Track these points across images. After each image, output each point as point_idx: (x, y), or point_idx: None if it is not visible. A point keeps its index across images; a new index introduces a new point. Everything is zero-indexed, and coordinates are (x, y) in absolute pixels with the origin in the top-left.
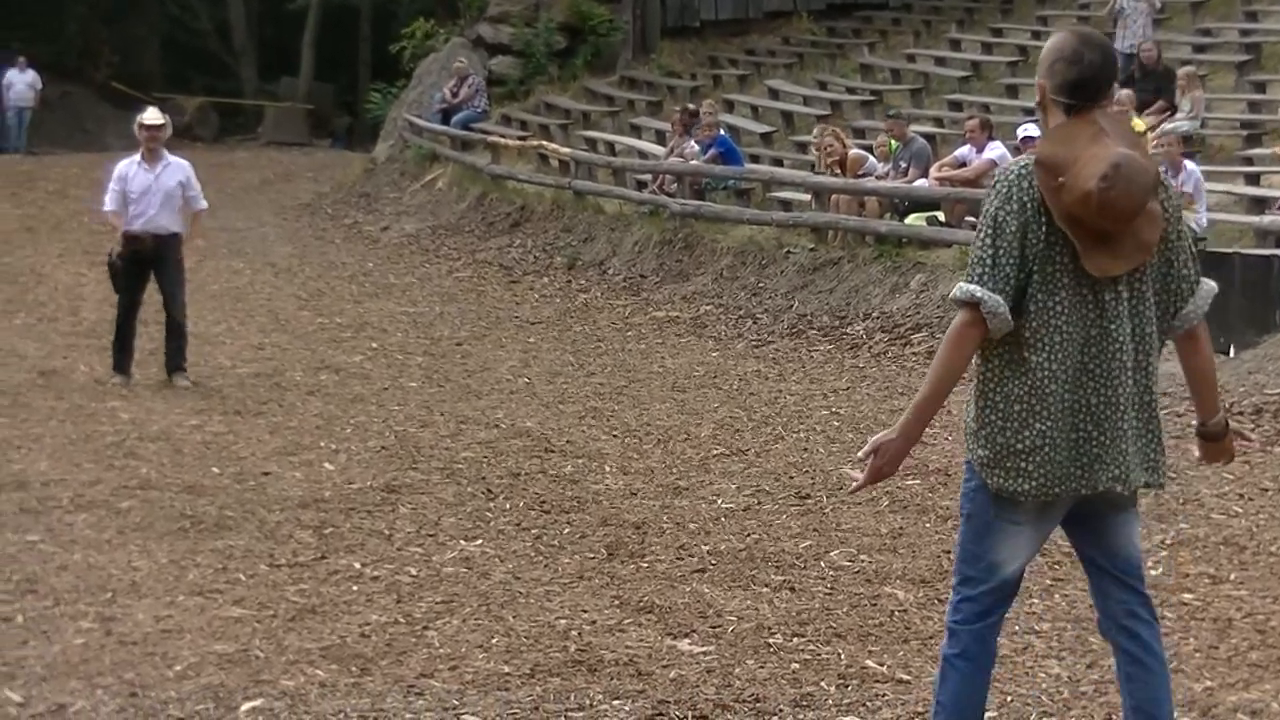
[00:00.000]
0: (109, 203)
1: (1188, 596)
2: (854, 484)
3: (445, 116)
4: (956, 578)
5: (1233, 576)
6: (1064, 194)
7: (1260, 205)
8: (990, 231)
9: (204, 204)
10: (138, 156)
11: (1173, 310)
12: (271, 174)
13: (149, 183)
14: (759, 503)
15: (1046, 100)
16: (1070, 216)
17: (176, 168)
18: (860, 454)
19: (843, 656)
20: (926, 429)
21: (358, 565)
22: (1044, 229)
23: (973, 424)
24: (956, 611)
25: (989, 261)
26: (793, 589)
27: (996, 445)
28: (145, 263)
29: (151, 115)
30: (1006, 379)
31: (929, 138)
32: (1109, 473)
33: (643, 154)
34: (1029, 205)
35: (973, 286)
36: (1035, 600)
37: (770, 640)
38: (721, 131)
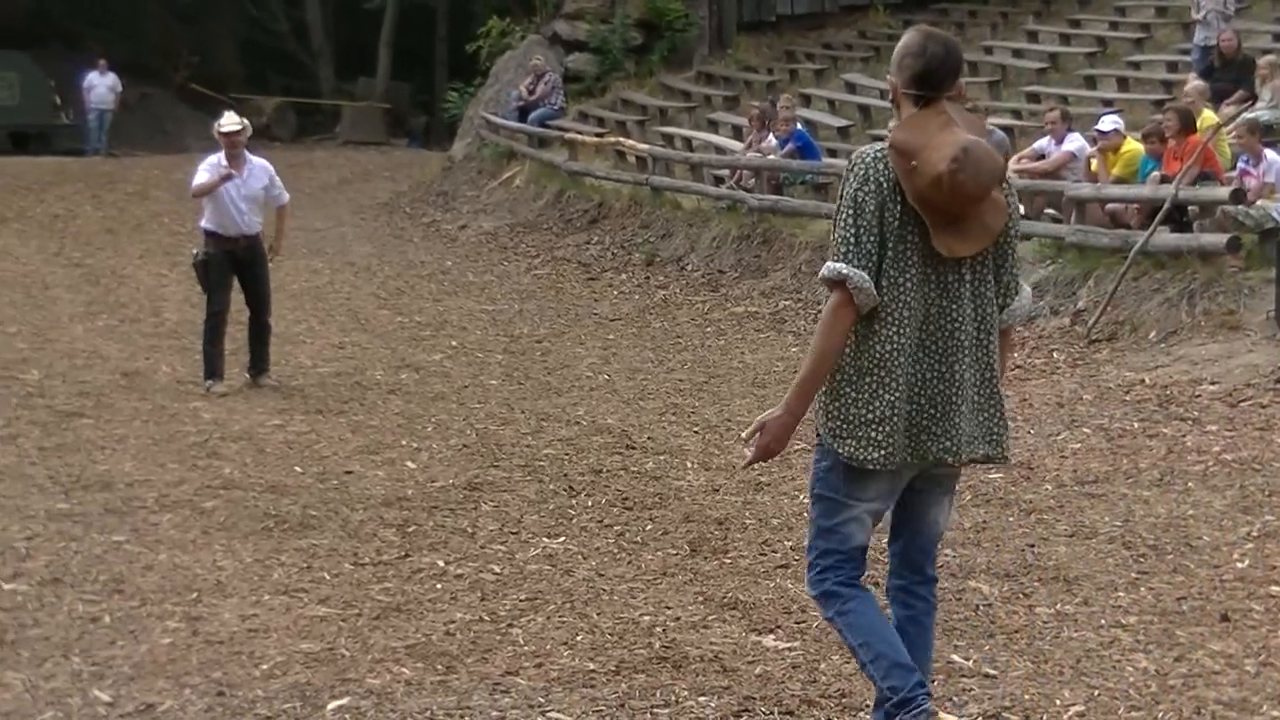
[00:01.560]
0: (201, 178)
1: (1275, 589)
2: (744, 461)
3: (522, 114)
4: (812, 553)
5: None
6: (916, 177)
7: None
8: (851, 212)
9: (286, 196)
10: (221, 159)
11: (1000, 304)
12: (349, 173)
13: (238, 186)
14: None
15: (898, 95)
16: (922, 198)
17: (260, 170)
18: (745, 433)
19: None
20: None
21: (441, 563)
22: (899, 209)
23: (825, 397)
24: (821, 578)
25: (851, 240)
26: (876, 584)
27: (849, 416)
28: (238, 262)
29: (229, 121)
30: (860, 353)
31: (1007, 130)
32: (939, 445)
33: (720, 149)
34: (885, 186)
35: (839, 265)
36: (1121, 594)
37: None
38: (798, 126)
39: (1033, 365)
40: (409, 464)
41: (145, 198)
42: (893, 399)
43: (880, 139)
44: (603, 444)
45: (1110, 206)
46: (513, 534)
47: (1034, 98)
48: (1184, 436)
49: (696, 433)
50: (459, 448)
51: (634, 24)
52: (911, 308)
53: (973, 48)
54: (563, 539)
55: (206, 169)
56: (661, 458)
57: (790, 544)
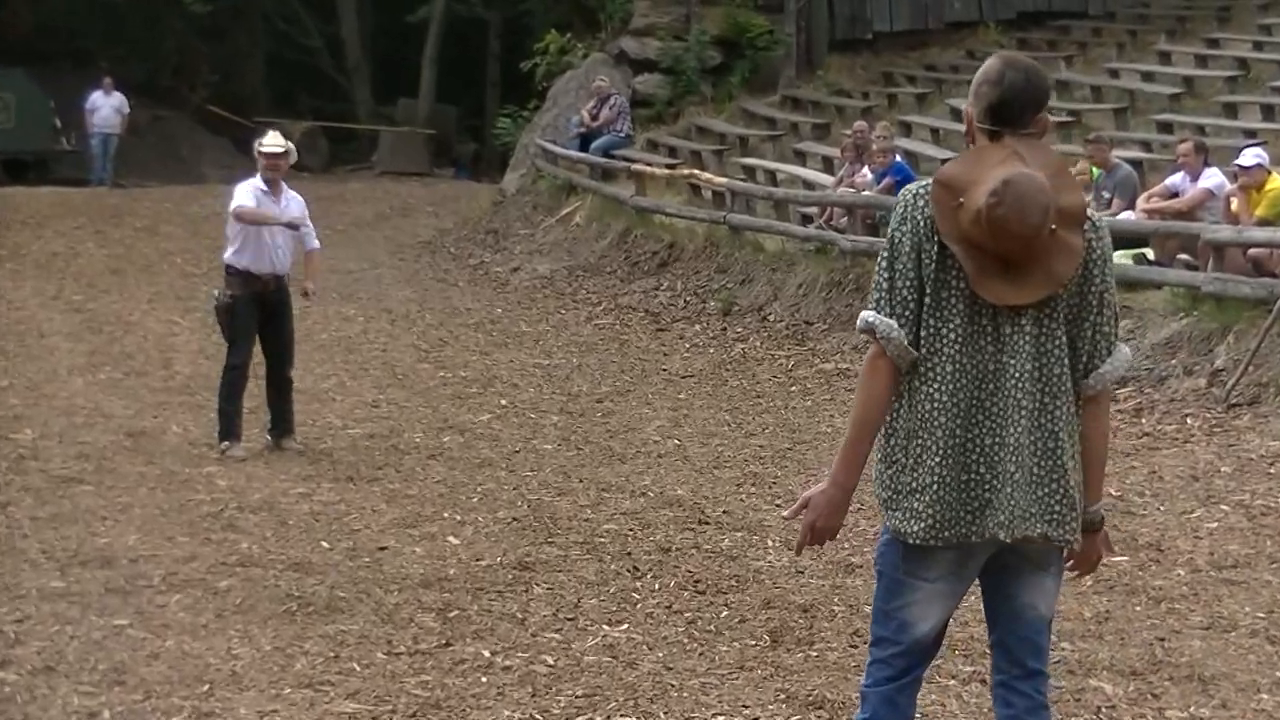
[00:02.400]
0: (249, 201)
1: None
2: (795, 545)
3: (584, 142)
4: (871, 639)
5: None
6: (962, 215)
7: None
8: (887, 254)
9: (317, 243)
10: (258, 182)
11: (1085, 366)
12: (387, 208)
13: (277, 216)
14: None
15: (972, 127)
16: (966, 239)
17: (295, 203)
18: (787, 513)
19: None
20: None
21: (487, 653)
22: (936, 250)
23: (879, 462)
24: (868, 675)
25: (885, 286)
26: (983, 681)
27: (896, 484)
28: (266, 307)
29: (272, 141)
30: (902, 413)
31: (1135, 164)
32: (995, 519)
33: (808, 184)
34: (922, 225)
35: (869, 313)
36: (1265, 696)
37: None
38: (897, 158)
39: (1163, 432)
40: (451, 539)
41: (155, 234)
42: (934, 464)
43: None
44: (672, 518)
45: (1253, 251)
46: (569, 620)
47: (1166, 127)
48: None
49: (778, 506)
50: (508, 521)
51: (711, 41)
52: (958, 362)
53: (1096, 70)
54: (625, 627)
55: (248, 194)
56: (739, 534)
57: None
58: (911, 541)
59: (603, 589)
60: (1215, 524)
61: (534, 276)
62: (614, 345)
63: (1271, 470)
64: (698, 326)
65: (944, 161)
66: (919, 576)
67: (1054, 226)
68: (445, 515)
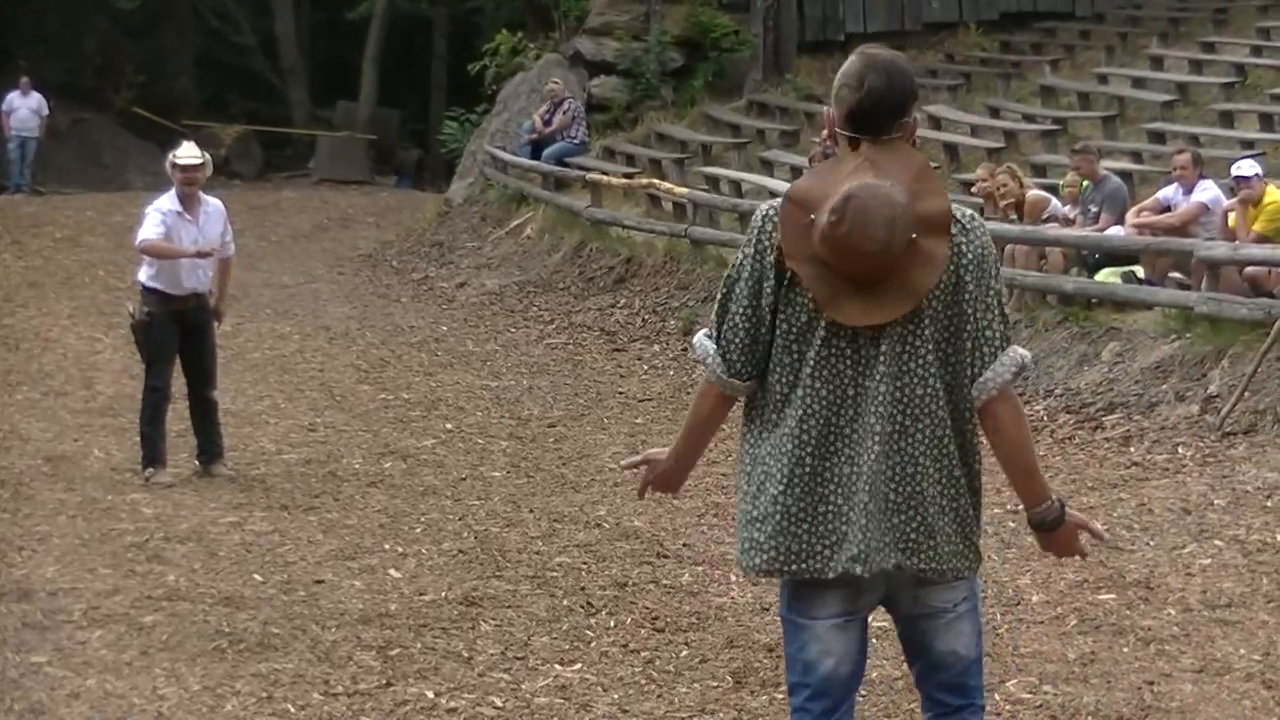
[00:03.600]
0: (155, 233)
1: None
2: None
3: (536, 150)
4: (788, 689)
5: None
6: (813, 233)
7: None
8: (729, 276)
9: (233, 249)
10: (173, 201)
11: (969, 375)
12: (325, 218)
13: (194, 236)
14: None
15: (833, 133)
16: (816, 258)
17: (215, 214)
18: (625, 461)
19: None
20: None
21: (430, 695)
22: (782, 274)
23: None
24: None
25: (718, 310)
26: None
27: (741, 513)
28: (185, 325)
29: (187, 153)
30: (754, 440)
31: (1124, 175)
32: (849, 551)
33: (775, 195)
34: (766, 245)
35: (698, 335)
36: None
37: None
38: None
39: (1153, 462)
40: (393, 573)
41: (77, 244)
42: (776, 493)
43: (970, 183)
44: (628, 551)
45: (1250, 270)
46: (518, 660)
47: (1158, 137)
48: None
49: None
50: (454, 554)
51: (673, 42)
52: (809, 387)
53: (1083, 75)
54: (579, 666)
55: (156, 223)
56: (700, 569)
57: None
58: (752, 574)
59: (554, 626)
60: (1208, 560)
61: (482, 292)
62: (567, 366)
63: (1268, 503)
64: (657, 347)
65: None
66: (809, 616)
67: (914, 235)
68: (386, 547)
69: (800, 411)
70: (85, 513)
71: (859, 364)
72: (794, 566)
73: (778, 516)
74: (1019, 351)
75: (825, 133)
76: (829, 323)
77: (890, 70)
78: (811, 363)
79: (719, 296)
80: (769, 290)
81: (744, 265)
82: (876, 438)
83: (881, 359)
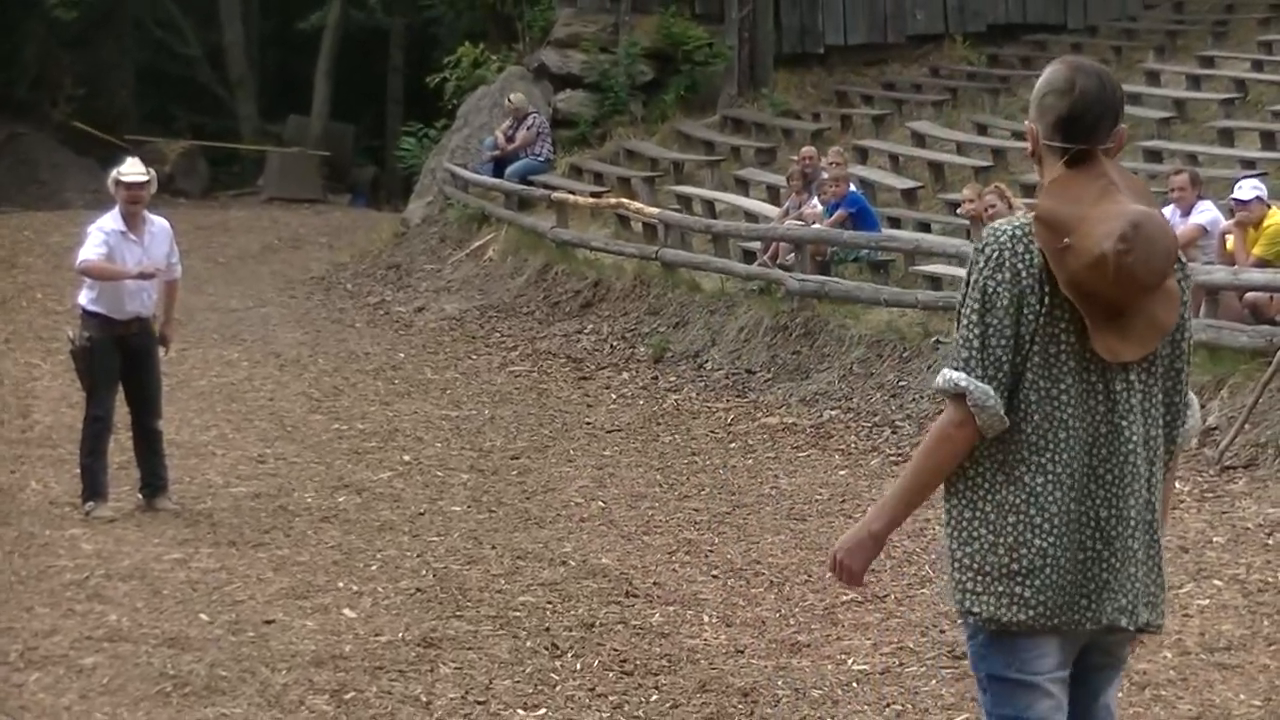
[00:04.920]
0: (96, 254)
1: None
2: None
3: (498, 167)
4: None
5: None
6: (1070, 259)
7: None
8: (978, 307)
9: (179, 271)
10: (117, 220)
11: (1171, 422)
12: (275, 238)
13: (138, 257)
14: (901, 664)
15: (1039, 148)
16: (1077, 286)
17: (161, 234)
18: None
19: None
20: None
21: None
22: (1045, 302)
23: (954, 542)
24: None
25: (976, 344)
26: None
27: (985, 567)
28: (127, 352)
29: (132, 169)
30: (999, 485)
31: None
32: (1115, 603)
33: (751, 215)
34: (1024, 273)
35: (957, 374)
36: None
37: None
38: (852, 187)
39: None
40: (347, 612)
41: (13, 265)
42: (1045, 545)
43: (956, 204)
44: (596, 590)
45: (1250, 296)
46: (479, 704)
47: (1155, 155)
48: None
49: (716, 578)
50: (411, 592)
51: (643, 55)
52: (1070, 428)
53: None
54: (543, 711)
55: (98, 243)
56: (671, 609)
57: None
58: (1013, 630)
59: (517, 669)
60: (1206, 601)
61: (441, 317)
62: (531, 395)
63: (1269, 541)
64: (625, 375)
65: (905, 192)
66: (1033, 671)
67: None
68: (340, 585)
69: (1064, 454)
70: (21, 549)
71: (1109, 400)
72: (1056, 620)
73: (1047, 570)
74: (1196, 402)
75: (1028, 149)
76: (1082, 355)
77: (1100, 72)
78: (1070, 400)
79: (966, 328)
80: (1030, 317)
81: (998, 290)
82: (1143, 481)
83: (1134, 396)
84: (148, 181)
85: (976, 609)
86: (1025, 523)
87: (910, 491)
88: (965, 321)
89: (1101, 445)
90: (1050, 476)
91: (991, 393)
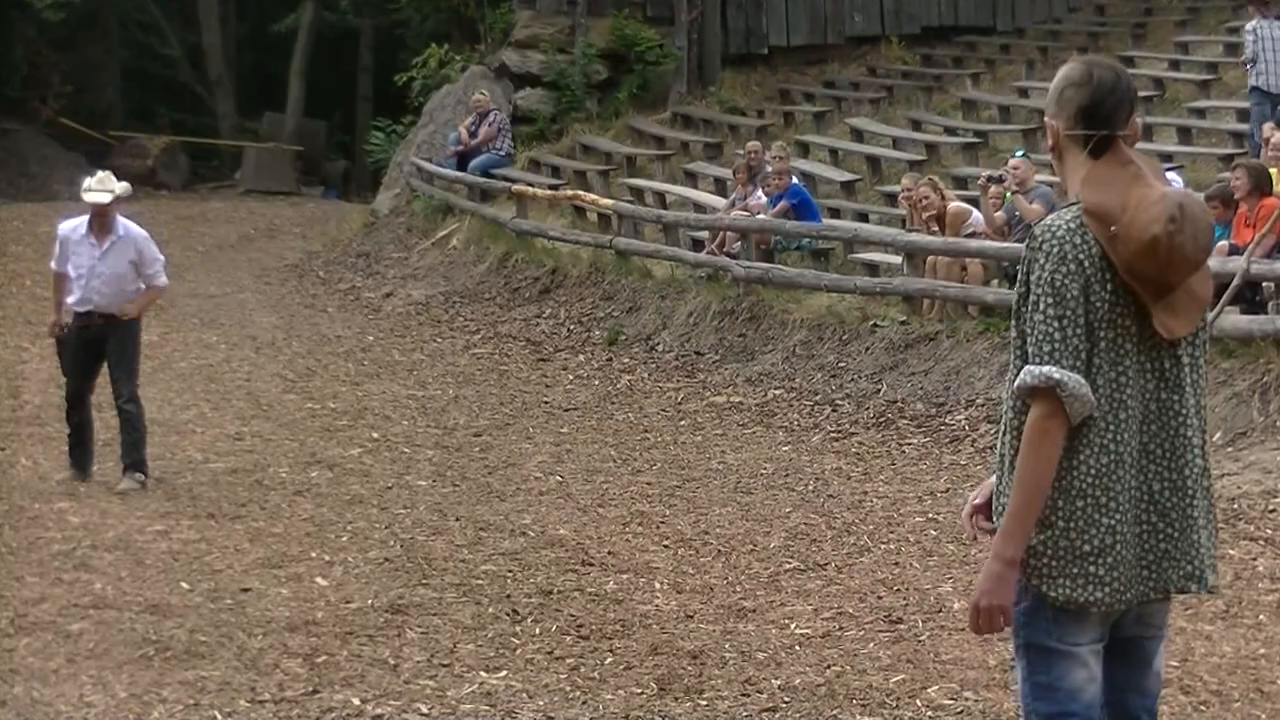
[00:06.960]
0: (55, 262)
1: None
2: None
3: (462, 161)
4: None
5: None
6: (1120, 246)
7: None
8: (1051, 301)
9: (163, 281)
10: (82, 223)
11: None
12: (252, 229)
13: (93, 262)
14: (841, 628)
15: (1061, 143)
16: (1130, 270)
17: (126, 244)
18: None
19: None
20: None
21: (357, 701)
22: (1109, 289)
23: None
24: None
25: (1057, 337)
26: None
27: (1059, 550)
28: (97, 342)
29: (99, 187)
30: (1064, 470)
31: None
32: (1180, 569)
33: (699, 206)
34: (1088, 264)
35: (1048, 369)
36: None
37: None
38: (794, 180)
39: None
40: (319, 581)
41: (3, 254)
42: (1112, 523)
43: (893, 196)
44: (554, 559)
45: None
46: (444, 666)
47: None
48: (1254, 559)
49: (667, 547)
50: (380, 562)
51: (598, 55)
52: (1129, 408)
53: (1004, 89)
54: (504, 674)
55: (57, 247)
56: (624, 577)
57: (779, 682)
58: (1095, 610)
59: (480, 634)
60: None
61: (408, 302)
62: (493, 376)
63: None
64: (582, 357)
65: (844, 184)
66: (1073, 642)
67: None
68: (313, 555)
69: (1121, 432)
70: (12, 521)
71: (1160, 377)
72: (1129, 595)
73: (1118, 547)
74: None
75: (1048, 144)
76: (1138, 336)
77: (1114, 65)
78: (1128, 379)
79: (1045, 323)
80: (1097, 305)
81: (1066, 283)
82: (1197, 451)
83: (1184, 370)
84: (111, 203)
85: (1054, 593)
86: (1093, 503)
87: (1027, 503)
88: (1041, 317)
89: (1152, 421)
90: (1113, 456)
91: (1083, 381)
